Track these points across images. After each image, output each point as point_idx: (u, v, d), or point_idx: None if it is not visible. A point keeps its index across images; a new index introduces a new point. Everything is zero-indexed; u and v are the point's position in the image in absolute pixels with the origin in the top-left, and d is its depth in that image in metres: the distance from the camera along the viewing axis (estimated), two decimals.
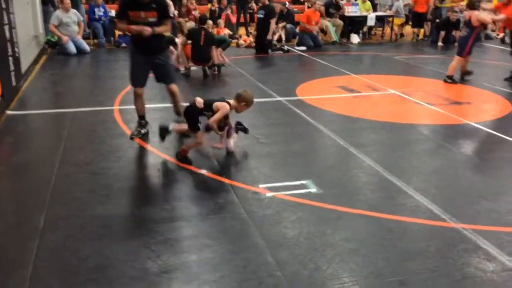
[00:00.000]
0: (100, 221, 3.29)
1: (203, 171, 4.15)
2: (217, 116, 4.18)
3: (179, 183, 3.99)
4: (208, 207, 3.54)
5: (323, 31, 13.00)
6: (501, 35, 13.72)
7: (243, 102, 4.29)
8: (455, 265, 2.88)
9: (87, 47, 10.23)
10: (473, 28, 7.68)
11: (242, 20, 13.73)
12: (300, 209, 3.53)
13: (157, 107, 6.11)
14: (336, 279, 2.71)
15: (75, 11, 10.31)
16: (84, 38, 10.65)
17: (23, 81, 7.22)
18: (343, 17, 13.06)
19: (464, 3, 11.74)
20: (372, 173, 4.23)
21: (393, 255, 2.97)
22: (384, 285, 2.68)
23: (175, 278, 2.69)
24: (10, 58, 6.35)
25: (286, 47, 11.29)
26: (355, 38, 13.07)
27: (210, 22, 10.85)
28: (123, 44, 11.14)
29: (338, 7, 13.06)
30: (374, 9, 14.43)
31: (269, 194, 3.75)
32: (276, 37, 12.27)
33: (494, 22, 7.86)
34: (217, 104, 4.21)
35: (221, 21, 12.28)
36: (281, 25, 12.58)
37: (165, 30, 4.88)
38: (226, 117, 4.35)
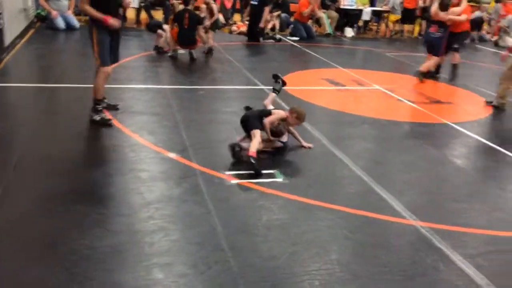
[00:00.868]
0: (60, 198, 3.27)
1: (172, 155, 4.14)
2: (272, 117, 4.38)
3: (147, 165, 3.97)
4: (171, 190, 3.54)
5: (318, 22, 12.93)
6: (496, 37, 13.71)
7: (295, 114, 4.44)
8: (407, 262, 2.89)
9: (76, 23, 10.11)
10: (446, 27, 7.66)
11: (238, 6, 13.63)
12: (263, 197, 3.53)
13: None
14: (288, 269, 2.72)
15: None
16: (76, 14, 10.52)
17: (6, 54, 7.14)
18: (338, 10, 12.99)
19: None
20: (343, 167, 4.23)
21: (348, 249, 2.99)
22: (335, 278, 2.69)
23: (124, 259, 2.69)
24: None
25: (278, 36, 11.22)
26: (349, 32, 13.01)
27: (203, 6, 10.77)
28: None
29: None
30: (372, 4, 14.35)
31: (235, 181, 3.75)
32: (270, 25, 12.21)
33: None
34: (274, 111, 4.51)
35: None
36: (275, 13, 12.50)
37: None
38: (279, 132, 4.40)
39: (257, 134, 4.19)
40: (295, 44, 10.94)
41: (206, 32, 9.75)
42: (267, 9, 10.70)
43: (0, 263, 2.58)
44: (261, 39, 10.75)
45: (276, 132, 4.39)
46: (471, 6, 15.05)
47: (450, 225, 3.36)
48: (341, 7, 13.04)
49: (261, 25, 10.67)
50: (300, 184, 3.82)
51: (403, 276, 2.75)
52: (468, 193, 3.95)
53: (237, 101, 6.00)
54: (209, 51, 8.65)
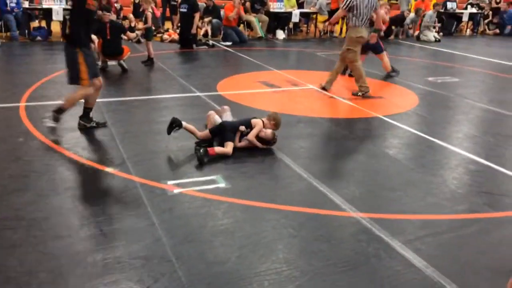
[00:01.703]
0: None
1: (110, 169, 4.03)
2: (254, 131, 4.61)
3: (83, 182, 3.84)
4: (112, 206, 3.44)
5: (250, 26, 13.08)
6: (417, 32, 14.48)
7: (273, 121, 4.78)
8: (350, 253, 2.99)
9: None
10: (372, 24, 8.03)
11: (168, 14, 13.49)
12: (207, 204, 3.52)
13: None
14: (236, 273, 2.73)
15: None
16: None
17: None
18: (268, 13, 13.21)
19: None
20: (283, 166, 4.31)
21: (293, 247, 3.05)
22: (283, 276, 2.73)
23: (67, 281, 2.58)
24: None
25: (211, 42, 11.24)
26: (280, 34, 13.26)
27: (131, 16, 10.58)
28: (38, 37, 10.59)
29: (263, 3, 13.19)
30: (301, 6, 14.72)
31: (177, 190, 3.71)
32: (202, 32, 12.20)
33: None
34: (253, 121, 4.70)
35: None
36: (206, 19, 12.52)
37: None
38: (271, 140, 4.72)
39: (229, 146, 4.46)
40: (228, 49, 10.99)
41: (138, 42, 9.60)
42: (197, 16, 10.68)
43: None
44: (194, 45, 10.71)
45: (268, 141, 4.65)
46: (392, 4, 15.88)
47: (387, 214, 3.52)
48: (271, 10, 13.26)
49: (193, 31, 10.63)
50: (242, 188, 3.84)
51: (347, 267, 2.84)
52: (402, 182, 4.15)
53: (173, 109, 5.93)
54: (149, 61, 8.50)
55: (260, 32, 12.85)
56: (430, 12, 14.13)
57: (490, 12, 17.00)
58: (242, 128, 4.66)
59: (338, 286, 2.68)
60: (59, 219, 3.25)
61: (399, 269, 2.85)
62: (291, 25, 14.10)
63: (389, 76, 8.40)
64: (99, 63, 8.01)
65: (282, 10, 13.48)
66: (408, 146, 5.12)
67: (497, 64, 10.67)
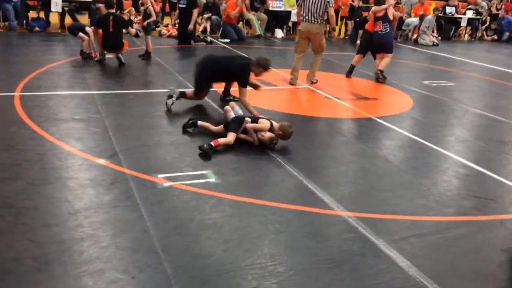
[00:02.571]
0: None
1: (102, 161, 4.05)
2: (256, 125, 4.65)
3: (74, 172, 3.85)
4: (101, 197, 3.46)
5: (248, 24, 13.09)
6: (415, 35, 14.53)
7: (281, 131, 4.68)
8: (335, 251, 3.02)
9: None
10: (390, 22, 8.04)
11: (167, 9, 13.49)
12: (196, 198, 3.54)
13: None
14: (220, 266, 2.76)
15: None
16: None
17: None
18: (268, 12, 13.22)
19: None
20: (274, 163, 4.33)
21: (279, 243, 3.07)
22: (267, 271, 2.75)
23: (52, 269, 2.61)
24: None
25: (209, 39, 11.25)
26: (279, 33, 13.29)
27: (131, 9, 10.60)
28: (36, 28, 10.58)
29: (263, 1, 13.20)
30: None
31: (167, 184, 3.73)
32: (201, 28, 12.21)
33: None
34: (261, 120, 4.72)
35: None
36: (206, 16, 12.53)
37: None
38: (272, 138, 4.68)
39: (230, 136, 4.56)
40: (226, 46, 11.00)
41: (136, 36, 9.61)
42: (195, 12, 10.68)
43: None
44: (192, 41, 10.72)
45: (264, 143, 4.64)
46: (397, 7, 15.92)
47: (375, 213, 3.55)
48: (270, 9, 13.28)
49: (191, 27, 10.63)
50: (232, 183, 3.87)
51: (332, 264, 2.87)
52: (392, 183, 4.18)
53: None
54: (146, 55, 8.52)
55: (259, 30, 12.87)
56: (429, 17, 14.18)
57: (488, 18, 17.07)
58: (248, 120, 4.71)
59: (321, 283, 2.71)
60: (48, 208, 3.26)
61: (382, 268, 2.88)
62: (290, 24, 14.11)
63: (377, 75, 8.32)
64: (98, 55, 8.04)
65: (282, 9, 13.50)
66: (400, 148, 5.15)
67: (493, 70, 10.73)
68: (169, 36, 11.41)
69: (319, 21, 7.27)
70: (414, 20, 14.49)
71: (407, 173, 4.43)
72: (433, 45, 13.86)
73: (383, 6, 8.02)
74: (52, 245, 2.82)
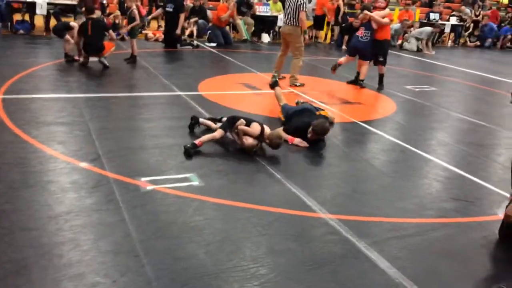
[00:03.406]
0: None
1: (84, 164, 4.03)
2: (246, 128, 4.63)
3: (55, 176, 3.82)
4: (82, 200, 3.44)
5: (235, 28, 13.12)
6: (400, 41, 14.70)
7: (268, 140, 4.60)
8: (317, 252, 3.05)
9: None
10: (372, 30, 8.02)
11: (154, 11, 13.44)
12: (179, 202, 3.54)
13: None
14: (201, 268, 2.76)
15: None
16: None
17: None
18: (254, 16, 13.28)
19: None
20: (258, 166, 4.35)
21: (261, 245, 3.08)
22: (249, 273, 2.76)
23: (30, 273, 2.58)
24: None
25: (195, 43, 11.25)
26: (265, 38, 13.35)
27: (117, 12, 10.55)
28: (21, 31, 10.49)
29: (250, 6, 13.25)
30: None
31: (150, 187, 3.72)
32: (187, 32, 12.21)
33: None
34: (253, 124, 4.68)
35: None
36: (193, 20, 12.53)
37: None
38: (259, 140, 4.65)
39: (217, 133, 4.65)
40: (213, 50, 11.02)
41: (121, 40, 9.57)
42: (182, 16, 10.68)
43: None
44: (178, 45, 10.71)
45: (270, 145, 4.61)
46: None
47: (357, 216, 3.58)
48: (257, 13, 13.34)
49: (178, 31, 10.62)
50: (215, 186, 3.87)
51: (313, 265, 2.89)
52: (374, 186, 4.22)
53: (153, 107, 5.95)
54: (131, 59, 8.50)
55: (245, 35, 12.91)
56: (429, 29, 14.30)
57: (472, 25, 17.35)
58: (243, 122, 4.71)
59: (303, 284, 2.72)
60: (28, 211, 3.23)
61: (363, 269, 2.91)
62: (276, 29, 14.18)
63: (357, 80, 8.36)
64: (81, 59, 7.99)
65: (268, 14, 13.57)
66: (382, 152, 5.20)
67: (475, 75, 10.90)
68: (156, 40, 11.38)
69: (292, 23, 7.66)
70: (397, 26, 14.64)
71: (389, 176, 4.47)
72: (417, 50, 14.02)
73: (387, 11, 8.07)
74: (31, 248, 2.80)
